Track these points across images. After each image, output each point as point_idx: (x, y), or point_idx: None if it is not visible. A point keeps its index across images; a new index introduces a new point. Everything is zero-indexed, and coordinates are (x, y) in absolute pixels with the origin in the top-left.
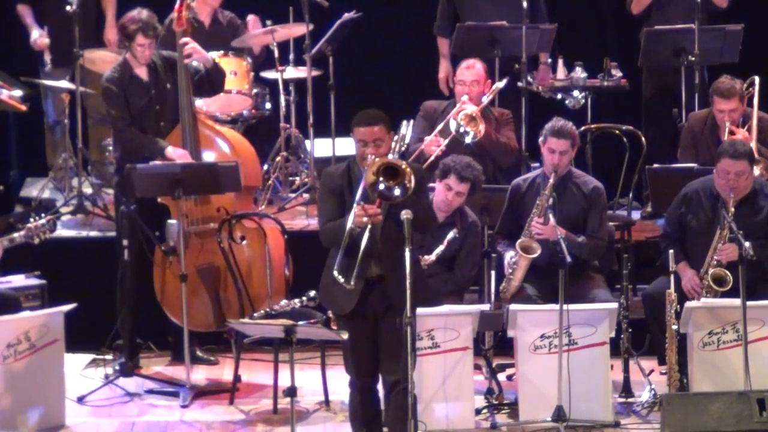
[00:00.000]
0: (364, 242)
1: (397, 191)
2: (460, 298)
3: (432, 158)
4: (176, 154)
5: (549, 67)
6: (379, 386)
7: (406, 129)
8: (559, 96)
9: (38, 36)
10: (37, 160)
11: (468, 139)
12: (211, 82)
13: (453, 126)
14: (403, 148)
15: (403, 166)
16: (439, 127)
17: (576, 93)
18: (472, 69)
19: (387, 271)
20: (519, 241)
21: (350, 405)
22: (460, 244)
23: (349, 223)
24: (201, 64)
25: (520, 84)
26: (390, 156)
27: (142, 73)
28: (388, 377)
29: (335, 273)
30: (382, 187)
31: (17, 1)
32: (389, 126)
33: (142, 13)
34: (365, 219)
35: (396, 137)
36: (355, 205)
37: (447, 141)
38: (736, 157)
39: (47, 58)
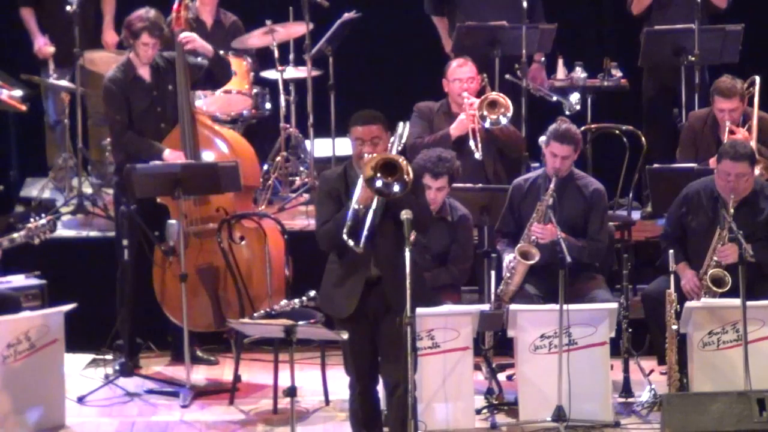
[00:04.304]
0: (370, 218)
1: (396, 187)
2: (459, 297)
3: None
4: (173, 158)
5: (542, 66)
6: (379, 387)
7: (403, 129)
8: (555, 98)
9: (42, 44)
10: (37, 160)
11: (503, 120)
12: (215, 73)
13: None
14: (399, 148)
15: (401, 161)
16: (476, 103)
17: (572, 97)
18: (465, 66)
19: (385, 272)
20: (518, 246)
21: (350, 406)
22: (452, 237)
23: (354, 203)
24: (203, 57)
25: (508, 76)
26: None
27: (145, 73)
28: (388, 379)
29: (344, 237)
30: (379, 183)
31: (20, 3)
32: (386, 125)
33: (149, 12)
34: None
35: (392, 138)
36: (359, 183)
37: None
38: (737, 158)
39: (51, 67)
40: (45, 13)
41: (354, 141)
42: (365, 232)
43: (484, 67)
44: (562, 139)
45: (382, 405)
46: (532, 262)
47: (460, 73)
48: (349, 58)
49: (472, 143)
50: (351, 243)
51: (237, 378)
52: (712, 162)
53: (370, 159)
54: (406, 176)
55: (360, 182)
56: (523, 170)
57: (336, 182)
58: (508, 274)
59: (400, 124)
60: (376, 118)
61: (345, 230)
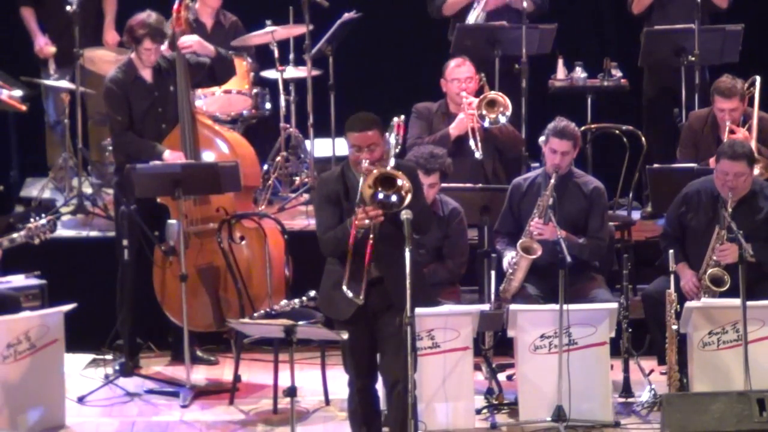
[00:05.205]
0: (369, 248)
1: (393, 198)
2: (457, 293)
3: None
4: (173, 158)
5: None
6: (379, 386)
7: (398, 122)
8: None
9: (44, 44)
10: (37, 160)
11: (502, 120)
12: (217, 70)
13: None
14: (398, 149)
15: (398, 175)
16: (474, 103)
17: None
18: (463, 66)
19: (386, 272)
20: (520, 241)
21: (349, 405)
22: (445, 232)
23: (351, 227)
24: (205, 57)
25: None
26: (385, 165)
27: (146, 74)
28: (387, 376)
29: (345, 289)
30: (381, 196)
31: (20, 3)
32: (383, 129)
33: (151, 17)
34: (367, 222)
35: (388, 134)
36: (356, 209)
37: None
38: (735, 158)
39: (52, 67)
40: (45, 13)
41: (350, 147)
42: (364, 283)
43: (484, 67)
44: (561, 135)
45: (382, 405)
46: (534, 256)
47: (458, 73)
48: (349, 58)
49: (471, 143)
50: (350, 295)
51: (237, 378)
52: (713, 162)
53: (366, 176)
54: (403, 192)
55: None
56: (523, 170)
57: (334, 185)
58: (510, 271)
59: (395, 119)
60: (372, 123)
61: (345, 284)
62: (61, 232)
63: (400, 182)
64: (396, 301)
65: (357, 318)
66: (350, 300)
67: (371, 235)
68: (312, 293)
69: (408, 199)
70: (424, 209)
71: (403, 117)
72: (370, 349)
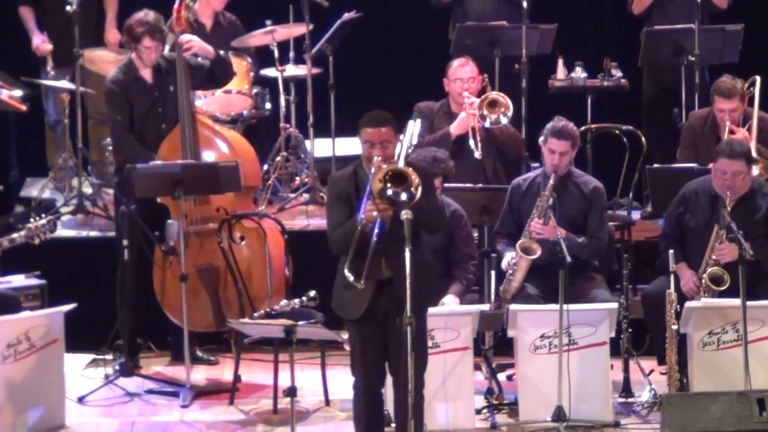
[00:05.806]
0: (374, 239)
1: (403, 195)
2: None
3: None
4: None
5: None
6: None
7: (413, 128)
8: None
9: (40, 42)
10: (37, 160)
11: (504, 120)
12: (216, 73)
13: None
14: (410, 148)
15: (410, 172)
16: (476, 103)
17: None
18: (466, 66)
19: (396, 273)
20: (519, 242)
21: (354, 408)
22: (446, 233)
23: (358, 224)
24: (205, 58)
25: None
26: (398, 160)
27: (146, 74)
28: (397, 378)
29: (346, 272)
30: (390, 192)
31: (19, 2)
32: (396, 127)
33: (149, 15)
34: (374, 213)
35: (402, 137)
36: (364, 200)
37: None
38: (733, 156)
39: (50, 64)
40: (44, 13)
41: (363, 143)
42: (366, 268)
43: (485, 66)
44: (559, 135)
45: (386, 406)
46: (533, 257)
47: (462, 72)
48: (349, 58)
49: (471, 142)
50: (351, 278)
51: (237, 378)
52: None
53: (378, 170)
54: (413, 189)
55: (366, 193)
56: (523, 170)
57: (346, 184)
58: (510, 271)
59: (410, 122)
60: (387, 120)
61: (347, 266)
62: (61, 232)
63: (410, 179)
64: (405, 303)
65: (368, 318)
66: (360, 299)
67: (375, 230)
68: (312, 293)
69: (418, 196)
70: (437, 209)
71: (419, 121)
72: (380, 353)
